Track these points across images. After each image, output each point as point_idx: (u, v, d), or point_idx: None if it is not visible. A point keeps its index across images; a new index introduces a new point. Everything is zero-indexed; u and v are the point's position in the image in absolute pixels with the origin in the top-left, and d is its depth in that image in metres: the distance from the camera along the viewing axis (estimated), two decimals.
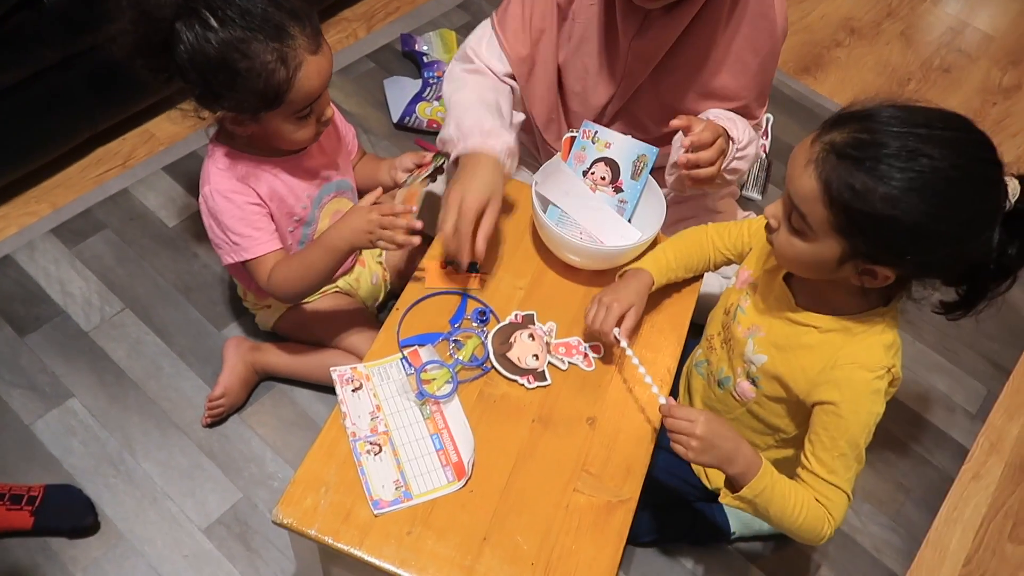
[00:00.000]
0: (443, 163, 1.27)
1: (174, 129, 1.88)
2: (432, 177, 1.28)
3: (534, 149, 1.55)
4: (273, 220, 1.28)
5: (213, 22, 1.08)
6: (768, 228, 0.99)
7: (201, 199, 1.26)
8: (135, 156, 1.82)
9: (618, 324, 1.11)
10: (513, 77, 1.36)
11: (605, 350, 1.17)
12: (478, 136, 1.19)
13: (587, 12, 1.31)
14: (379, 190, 1.20)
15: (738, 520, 1.38)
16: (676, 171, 1.20)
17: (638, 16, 1.25)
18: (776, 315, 1.06)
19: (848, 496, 1.01)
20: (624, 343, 1.09)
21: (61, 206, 1.71)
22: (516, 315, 1.20)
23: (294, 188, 1.29)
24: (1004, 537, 1.52)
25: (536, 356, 1.15)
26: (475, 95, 1.28)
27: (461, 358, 1.13)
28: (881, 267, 0.91)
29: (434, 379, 1.10)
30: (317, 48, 1.14)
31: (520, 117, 1.36)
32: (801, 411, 1.06)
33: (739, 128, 1.26)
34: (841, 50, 2.40)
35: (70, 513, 1.30)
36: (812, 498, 1.00)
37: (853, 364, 0.98)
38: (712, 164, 1.16)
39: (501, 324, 1.19)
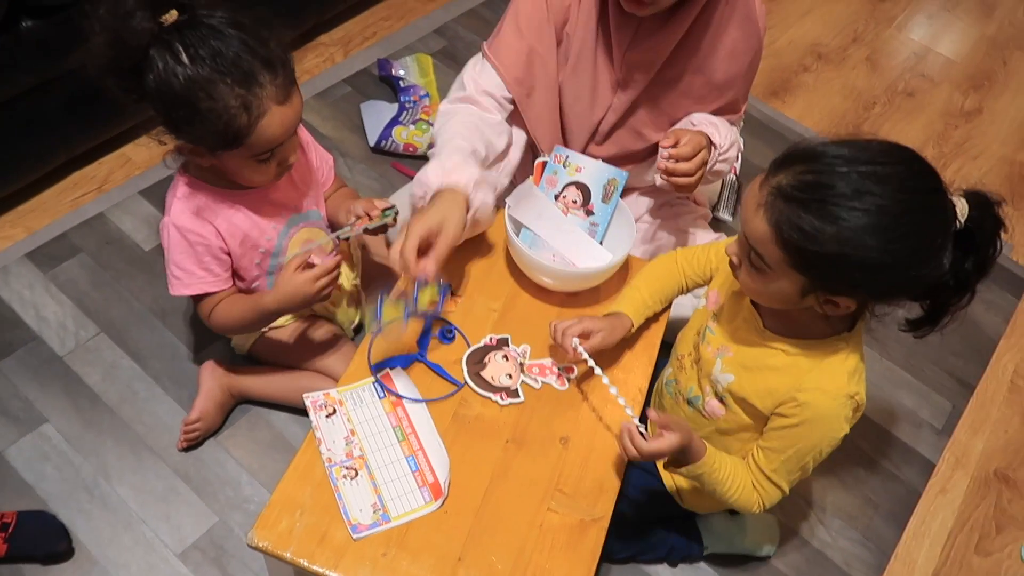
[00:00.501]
0: (392, 217, 1.27)
1: (150, 153, 1.88)
2: (377, 232, 1.28)
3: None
4: (231, 256, 1.30)
5: (184, 57, 1.08)
6: (732, 265, 1.03)
7: (160, 227, 1.27)
8: (111, 180, 1.83)
9: (580, 335, 1.13)
10: (512, 101, 1.39)
11: (578, 370, 1.19)
12: (441, 176, 1.21)
13: (583, 30, 1.34)
14: (306, 254, 1.23)
15: (711, 536, 1.40)
16: (661, 177, 1.27)
17: (631, 27, 1.28)
18: (744, 337, 1.09)
19: (784, 492, 1.07)
20: (585, 354, 1.11)
21: (36, 230, 1.71)
22: (491, 338, 1.22)
23: (258, 221, 1.31)
24: (971, 550, 1.55)
25: (510, 375, 1.17)
26: (453, 131, 1.30)
27: (418, 307, 1.13)
28: (841, 297, 0.94)
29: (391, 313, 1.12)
30: (285, 98, 1.14)
31: (521, 136, 1.39)
32: None
33: (721, 133, 1.31)
34: (808, 75, 2.46)
35: (44, 539, 1.29)
36: (749, 481, 1.08)
37: (818, 389, 1.01)
38: (691, 175, 1.23)
39: (476, 346, 1.21)
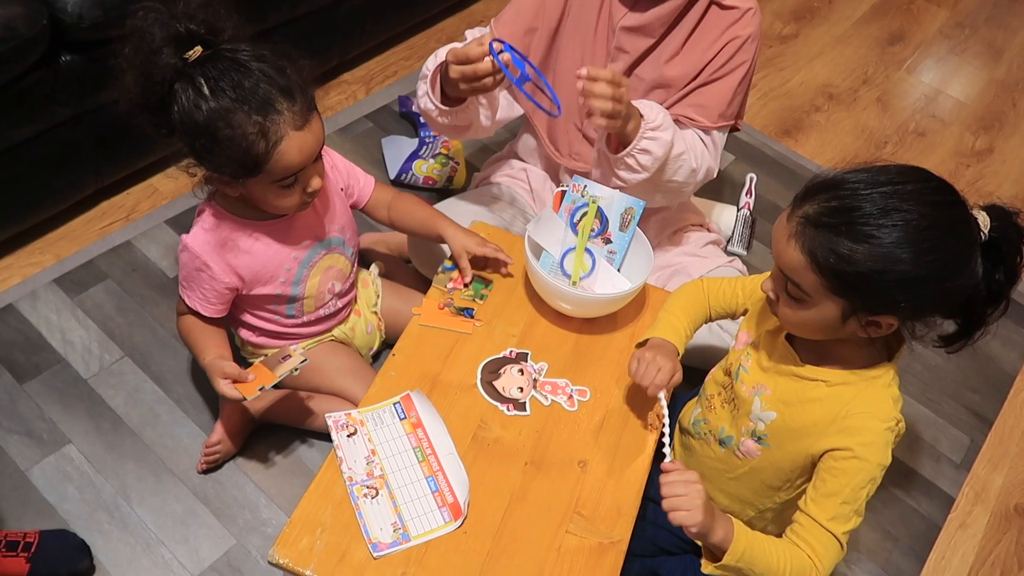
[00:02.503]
0: (301, 364, 1.28)
1: (177, 184, 1.93)
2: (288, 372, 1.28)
3: (543, 158, 1.63)
4: (246, 286, 1.34)
5: (205, 90, 1.12)
6: (769, 301, 1.04)
7: (181, 238, 1.32)
8: (139, 209, 1.88)
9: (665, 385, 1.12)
10: None
11: (591, 394, 1.21)
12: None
13: (582, 4, 1.41)
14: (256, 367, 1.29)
15: None
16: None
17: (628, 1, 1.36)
18: (781, 373, 1.08)
19: (841, 546, 1.01)
20: (665, 409, 1.09)
21: (65, 257, 1.75)
22: (511, 351, 1.24)
23: (279, 252, 1.34)
24: None
25: (521, 389, 1.20)
26: None
27: None
28: (882, 316, 0.95)
29: None
30: (303, 124, 1.18)
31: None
32: (807, 470, 1.07)
33: (654, 111, 1.29)
34: (820, 114, 2.51)
35: (66, 558, 1.30)
36: (795, 549, 1.00)
37: (865, 413, 1.00)
38: (608, 99, 1.18)
39: (495, 356, 1.24)
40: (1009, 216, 0.95)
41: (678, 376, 1.13)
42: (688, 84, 1.42)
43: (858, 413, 1.01)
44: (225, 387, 1.26)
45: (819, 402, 1.04)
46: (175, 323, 1.64)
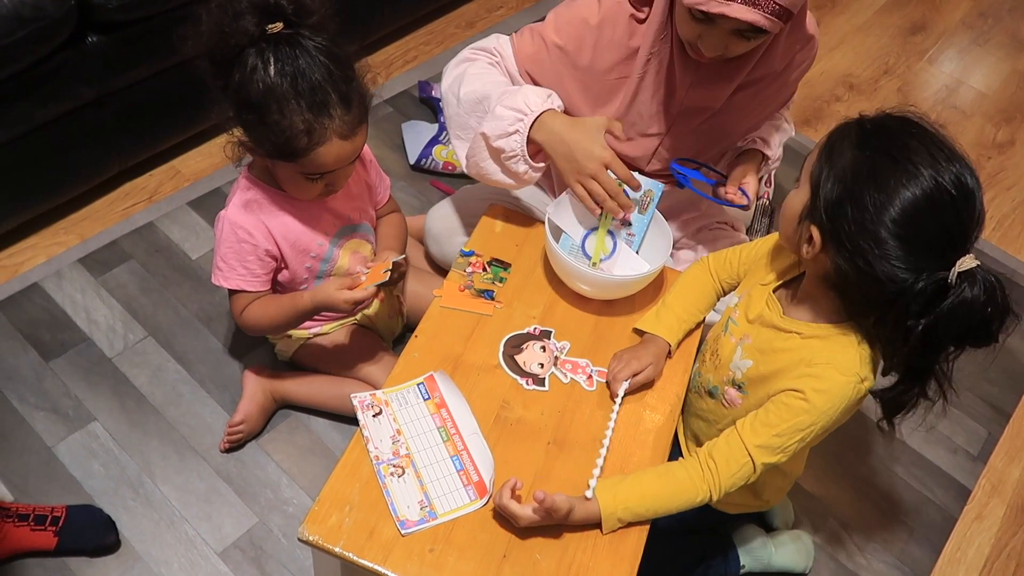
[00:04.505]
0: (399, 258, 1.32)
1: (199, 166, 1.95)
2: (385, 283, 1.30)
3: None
4: (282, 257, 1.34)
5: (271, 69, 1.13)
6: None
7: (216, 218, 1.32)
8: (161, 191, 1.89)
9: (632, 377, 1.18)
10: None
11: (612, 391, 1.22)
12: (544, 99, 1.27)
13: (647, 65, 1.31)
14: (356, 276, 1.29)
15: (747, 554, 1.40)
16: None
17: (694, 66, 1.29)
18: (764, 323, 1.11)
19: (754, 471, 1.04)
20: (619, 401, 1.16)
21: (89, 237, 1.77)
22: (535, 328, 1.26)
23: (313, 225, 1.35)
24: None
25: (541, 365, 1.22)
26: (503, 78, 1.36)
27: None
28: (815, 228, 0.96)
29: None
30: (349, 134, 1.19)
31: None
32: None
33: (773, 145, 1.38)
34: (840, 104, 2.49)
35: (93, 532, 1.32)
36: (674, 475, 1.06)
37: (827, 363, 1.02)
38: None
39: (519, 331, 1.26)
40: (993, 303, 0.89)
41: (645, 373, 1.18)
42: (781, 104, 1.45)
43: (820, 363, 1.03)
44: (357, 294, 1.25)
45: (790, 352, 1.06)
46: (197, 304, 1.68)
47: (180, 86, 1.78)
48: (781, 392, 1.04)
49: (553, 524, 1.03)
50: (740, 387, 1.14)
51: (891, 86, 2.59)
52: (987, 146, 2.45)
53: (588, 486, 1.04)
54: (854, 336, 1.03)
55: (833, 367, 1.02)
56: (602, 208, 1.26)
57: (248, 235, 1.29)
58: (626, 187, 1.27)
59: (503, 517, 1.04)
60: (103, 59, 1.62)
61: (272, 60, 1.13)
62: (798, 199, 1.01)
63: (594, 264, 1.31)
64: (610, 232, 1.32)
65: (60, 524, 1.30)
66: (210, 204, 1.86)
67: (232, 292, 1.35)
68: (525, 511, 1.00)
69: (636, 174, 1.31)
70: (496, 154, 1.30)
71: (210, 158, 1.96)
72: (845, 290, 1.00)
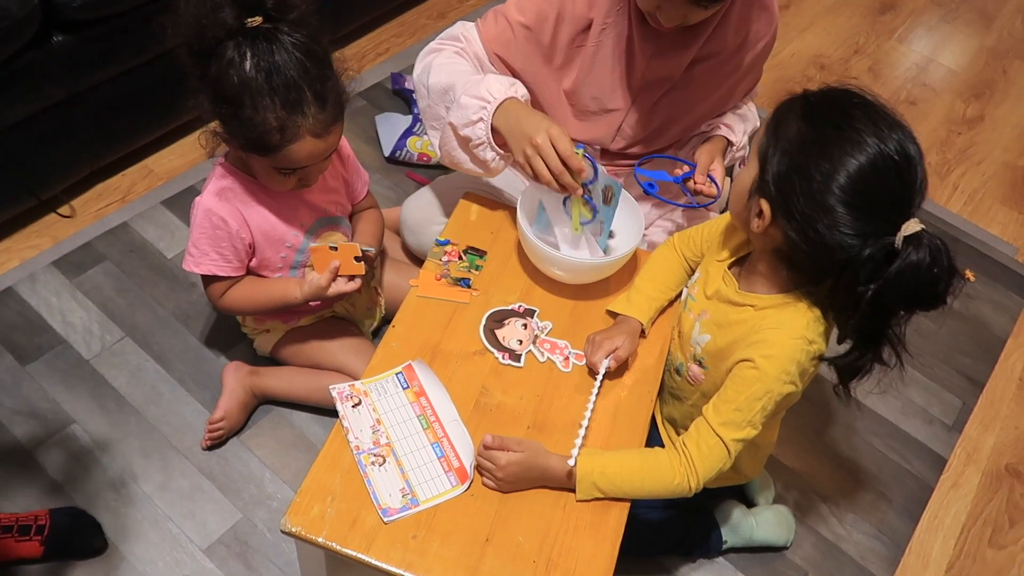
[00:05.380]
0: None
1: (172, 164, 1.93)
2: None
3: None
4: (254, 246, 1.34)
5: (247, 64, 1.12)
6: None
7: (191, 205, 1.32)
8: (134, 191, 1.88)
9: (608, 355, 1.19)
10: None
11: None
12: (506, 88, 1.26)
13: (605, 35, 1.34)
14: (334, 269, 1.30)
15: (729, 529, 1.42)
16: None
17: (654, 37, 1.32)
18: (720, 299, 1.14)
19: (728, 452, 1.06)
20: (600, 378, 1.17)
21: (62, 239, 1.76)
22: (519, 305, 1.28)
23: (289, 216, 1.35)
24: (984, 544, 1.56)
25: (520, 341, 1.23)
26: (470, 66, 1.37)
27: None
28: (764, 202, 0.98)
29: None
30: (323, 133, 1.18)
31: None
32: None
33: (738, 133, 1.38)
34: (811, 85, 2.48)
35: (79, 537, 1.31)
36: (654, 456, 1.08)
37: (775, 328, 1.05)
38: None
39: (503, 307, 1.27)
40: (939, 266, 0.91)
41: (621, 351, 1.19)
42: (742, 79, 1.44)
43: (768, 328, 1.05)
44: (338, 287, 1.28)
45: (743, 323, 1.09)
46: (174, 303, 1.67)
47: (151, 84, 1.77)
48: (735, 365, 1.07)
49: (533, 484, 1.05)
50: (700, 362, 1.16)
51: (862, 65, 2.61)
52: (957, 122, 2.48)
53: (571, 455, 1.05)
54: (803, 303, 1.05)
55: (779, 331, 1.04)
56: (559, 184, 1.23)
57: (223, 222, 1.29)
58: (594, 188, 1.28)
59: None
60: (70, 58, 1.60)
61: (249, 54, 1.12)
62: (747, 175, 1.03)
63: (575, 229, 1.30)
64: (588, 199, 1.30)
65: (45, 533, 1.28)
66: (184, 202, 1.85)
67: (206, 278, 1.35)
68: (502, 453, 1.04)
69: (601, 169, 1.31)
70: (464, 143, 1.30)
71: (183, 156, 1.95)
72: (795, 261, 1.03)
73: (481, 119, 1.26)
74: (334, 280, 1.30)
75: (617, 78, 1.37)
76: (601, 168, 1.30)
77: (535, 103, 1.43)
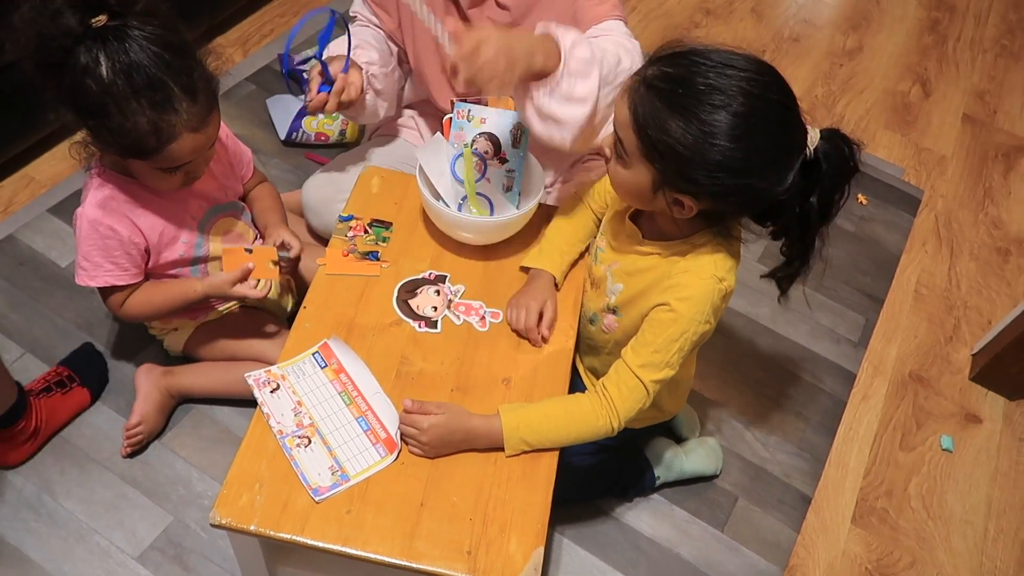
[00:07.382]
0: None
1: (54, 170, 1.84)
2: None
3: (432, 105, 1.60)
4: (150, 249, 1.30)
5: (103, 68, 1.05)
6: (604, 157, 1.09)
7: (73, 217, 1.26)
8: (17, 201, 1.78)
9: (540, 320, 1.20)
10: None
11: (505, 316, 1.24)
12: None
13: None
14: (245, 270, 1.29)
15: (660, 465, 1.47)
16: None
17: None
18: (627, 249, 1.16)
19: (647, 392, 1.09)
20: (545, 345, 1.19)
21: None
22: (430, 273, 1.27)
23: (177, 212, 1.30)
24: (896, 447, 1.66)
25: (435, 308, 1.24)
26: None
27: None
28: (686, 197, 0.99)
29: None
30: (200, 125, 1.13)
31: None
32: None
33: (568, 40, 1.12)
34: (700, 30, 2.57)
35: (97, 366, 1.51)
36: (577, 401, 1.11)
37: (687, 272, 1.07)
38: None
39: (413, 277, 1.27)
40: (844, 144, 0.98)
41: (550, 313, 1.21)
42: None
43: (680, 272, 1.08)
44: (243, 290, 1.28)
45: (653, 269, 1.12)
46: (74, 311, 1.60)
47: (18, 88, 1.66)
48: (651, 309, 1.09)
49: (459, 448, 1.07)
50: (615, 311, 1.18)
51: (745, 7, 2.68)
52: (839, 54, 2.58)
53: (495, 413, 1.07)
54: (708, 245, 1.08)
55: (691, 274, 1.07)
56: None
57: (112, 231, 1.24)
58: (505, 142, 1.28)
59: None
60: None
61: (102, 57, 1.05)
62: (639, 177, 1.01)
63: (469, 195, 1.30)
64: (481, 194, 1.32)
65: (78, 381, 1.44)
66: (71, 208, 1.73)
67: (103, 289, 1.29)
68: (423, 417, 1.05)
69: (501, 110, 1.29)
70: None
71: (65, 160, 1.83)
72: (719, 217, 1.06)
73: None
74: (243, 282, 1.27)
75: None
76: (501, 110, 1.29)
77: (416, 53, 1.48)
